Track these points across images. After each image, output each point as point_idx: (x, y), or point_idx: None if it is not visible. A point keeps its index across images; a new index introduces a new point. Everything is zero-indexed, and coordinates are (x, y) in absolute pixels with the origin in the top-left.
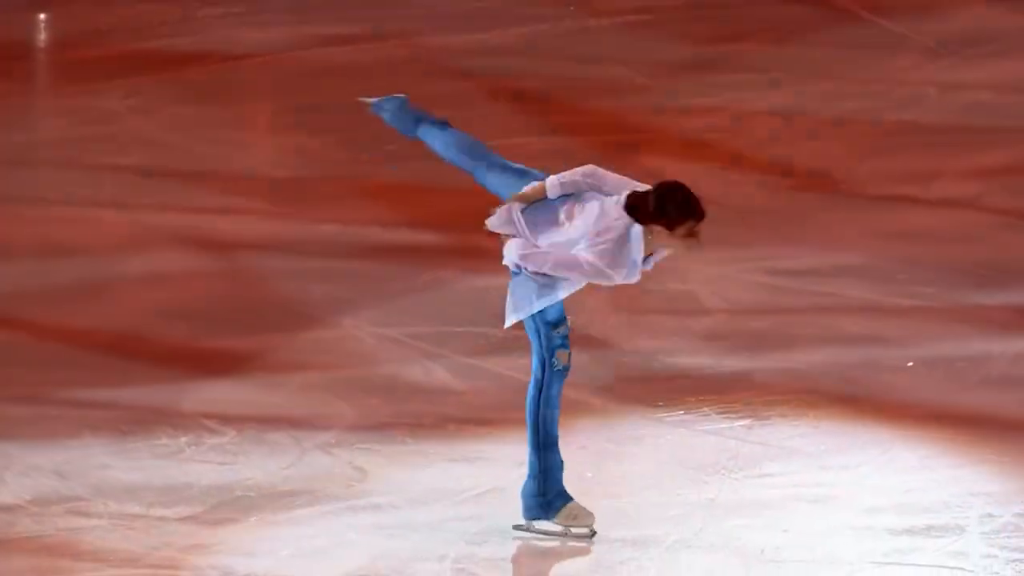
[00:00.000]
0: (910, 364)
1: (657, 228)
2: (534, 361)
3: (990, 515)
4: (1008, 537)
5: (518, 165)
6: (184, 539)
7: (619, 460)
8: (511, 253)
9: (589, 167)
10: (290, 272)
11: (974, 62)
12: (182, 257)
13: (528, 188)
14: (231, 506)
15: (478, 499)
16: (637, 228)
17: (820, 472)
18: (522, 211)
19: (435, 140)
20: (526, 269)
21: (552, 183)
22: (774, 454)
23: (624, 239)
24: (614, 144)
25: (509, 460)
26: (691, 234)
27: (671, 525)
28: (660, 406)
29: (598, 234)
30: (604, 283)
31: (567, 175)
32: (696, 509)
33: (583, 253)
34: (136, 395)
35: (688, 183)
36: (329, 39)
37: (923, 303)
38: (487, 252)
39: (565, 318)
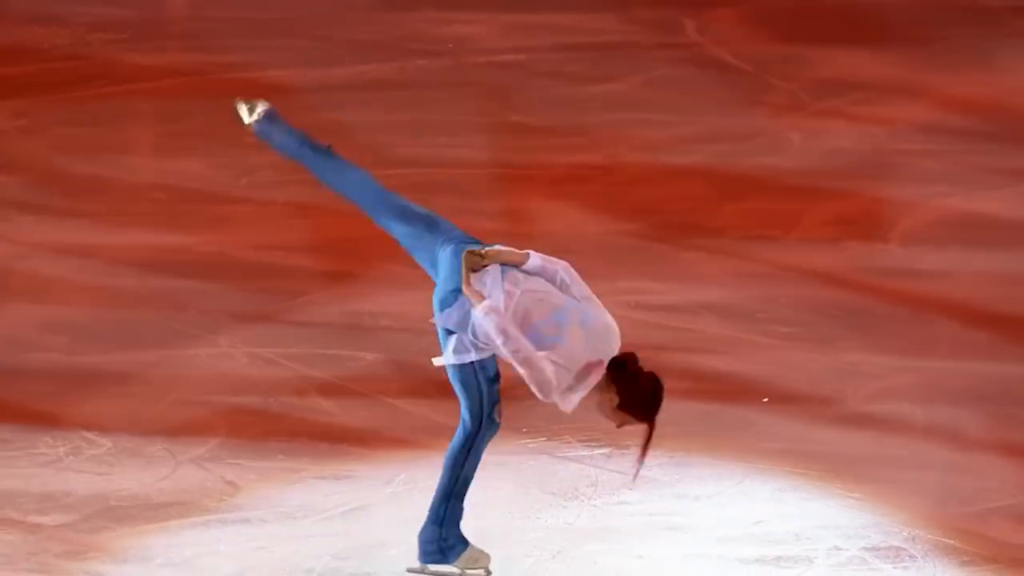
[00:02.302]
0: (765, 400)
1: (612, 396)
2: (464, 413)
3: (837, 548)
4: (855, 571)
5: (422, 209)
6: (59, 545)
7: (483, 483)
8: (488, 324)
9: (566, 264)
10: (168, 291)
11: (836, 110)
12: (64, 274)
13: (508, 250)
14: (106, 515)
15: (345, 516)
16: (599, 376)
17: (676, 501)
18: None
19: (319, 167)
20: (472, 335)
21: (535, 260)
22: (632, 482)
23: (588, 381)
24: (485, 179)
25: (377, 479)
26: (625, 423)
27: (531, 547)
28: (524, 432)
29: (586, 367)
30: (536, 391)
31: (551, 261)
32: (555, 533)
33: (549, 364)
34: (17, 405)
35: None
36: (213, 67)
37: (780, 341)
38: (361, 276)
39: (500, 374)
